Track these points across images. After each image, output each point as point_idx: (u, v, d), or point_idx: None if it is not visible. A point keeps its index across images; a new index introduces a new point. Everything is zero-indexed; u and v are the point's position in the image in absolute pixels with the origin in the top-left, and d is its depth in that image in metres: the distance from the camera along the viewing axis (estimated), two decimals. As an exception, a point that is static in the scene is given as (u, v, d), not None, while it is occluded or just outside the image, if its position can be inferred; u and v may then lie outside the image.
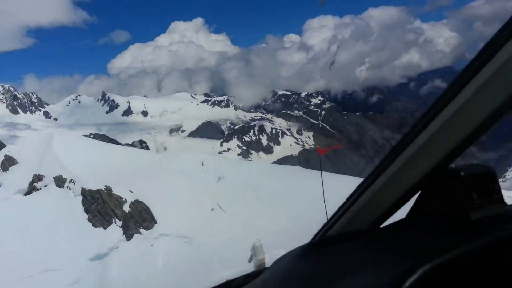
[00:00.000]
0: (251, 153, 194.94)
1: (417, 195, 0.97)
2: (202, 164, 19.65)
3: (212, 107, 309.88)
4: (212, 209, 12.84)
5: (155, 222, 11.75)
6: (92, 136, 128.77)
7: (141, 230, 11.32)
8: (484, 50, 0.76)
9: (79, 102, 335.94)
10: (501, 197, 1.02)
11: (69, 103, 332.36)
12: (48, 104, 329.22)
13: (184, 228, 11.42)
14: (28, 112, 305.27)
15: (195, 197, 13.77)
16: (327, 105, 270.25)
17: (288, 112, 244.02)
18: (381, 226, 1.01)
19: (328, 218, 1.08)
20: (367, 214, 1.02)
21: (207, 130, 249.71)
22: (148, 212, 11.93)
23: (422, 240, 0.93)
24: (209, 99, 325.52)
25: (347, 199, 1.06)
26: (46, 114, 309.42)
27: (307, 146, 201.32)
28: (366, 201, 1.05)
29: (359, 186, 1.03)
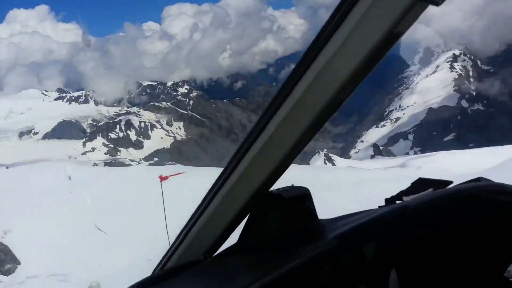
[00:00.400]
0: (119, 150, 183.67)
1: (246, 219, 0.98)
2: (70, 179, 17.36)
3: (69, 103, 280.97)
4: (89, 233, 11.24)
5: (18, 263, 9.68)
6: None
7: (0, 277, 9.19)
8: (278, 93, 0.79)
9: None
10: (315, 215, 1.12)
11: None
12: None
13: (57, 263, 9.67)
14: None
15: (65, 222, 11.87)
16: (194, 93, 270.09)
17: (156, 104, 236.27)
18: (215, 253, 1.01)
19: (170, 245, 1.10)
20: (203, 242, 1.02)
21: (66, 130, 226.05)
22: (6, 251, 9.75)
23: (247, 264, 0.99)
24: (64, 95, 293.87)
25: (183, 228, 1.05)
26: None
27: (178, 137, 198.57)
28: (200, 228, 1.05)
29: (193, 214, 1.03)
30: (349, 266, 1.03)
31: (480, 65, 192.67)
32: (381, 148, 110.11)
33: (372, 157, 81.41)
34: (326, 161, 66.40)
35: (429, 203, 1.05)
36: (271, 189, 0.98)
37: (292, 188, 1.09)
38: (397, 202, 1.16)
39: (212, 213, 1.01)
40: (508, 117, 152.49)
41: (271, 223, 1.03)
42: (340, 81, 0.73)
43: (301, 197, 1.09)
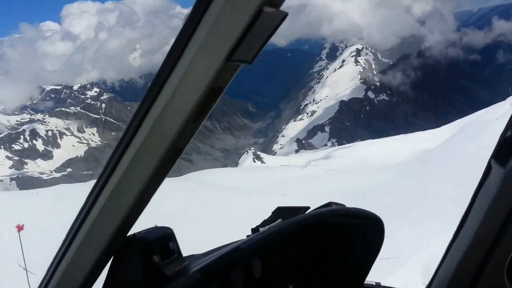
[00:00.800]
0: (26, 163, 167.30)
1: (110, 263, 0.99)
2: None
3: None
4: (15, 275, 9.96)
5: None
6: None
7: None
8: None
9: None
10: (179, 255, 1.14)
11: None
12: None
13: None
14: None
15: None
16: (105, 96, 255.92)
17: (63, 109, 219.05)
18: None
19: None
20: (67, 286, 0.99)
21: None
22: None
23: None
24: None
25: (47, 272, 1.02)
26: None
27: (93, 144, 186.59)
28: (61, 275, 1.03)
29: (56, 255, 0.99)
30: None
31: (380, 58, 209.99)
32: (303, 142, 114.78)
33: (297, 151, 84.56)
34: (255, 160, 67.12)
35: (279, 232, 1.14)
36: (132, 232, 1.00)
37: (153, 230, 1.11)
38: (260, 230, 1.24)
39: (74, 257, 0.99)
40: (409, 105, 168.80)
41: (134, 267, 1.03)
42: (176, 128, 0.77)
43: (162, 238, 1.11)
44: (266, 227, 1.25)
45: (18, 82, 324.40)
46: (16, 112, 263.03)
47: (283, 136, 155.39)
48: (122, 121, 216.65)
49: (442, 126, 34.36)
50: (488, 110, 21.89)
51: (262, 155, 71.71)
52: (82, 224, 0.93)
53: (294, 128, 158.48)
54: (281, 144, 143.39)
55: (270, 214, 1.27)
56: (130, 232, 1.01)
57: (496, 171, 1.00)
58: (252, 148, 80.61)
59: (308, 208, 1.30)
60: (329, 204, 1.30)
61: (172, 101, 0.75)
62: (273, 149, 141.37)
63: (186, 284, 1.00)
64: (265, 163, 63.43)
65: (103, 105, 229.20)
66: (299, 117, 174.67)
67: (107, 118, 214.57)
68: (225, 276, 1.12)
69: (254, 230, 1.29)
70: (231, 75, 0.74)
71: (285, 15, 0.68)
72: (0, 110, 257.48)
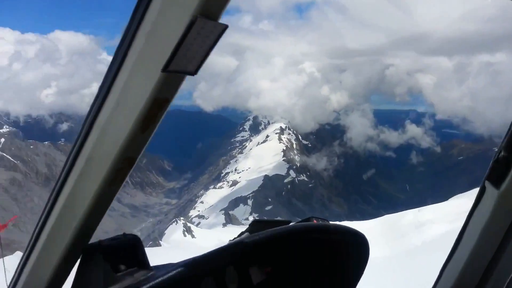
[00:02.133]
0: None
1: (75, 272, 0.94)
2: None
3: None
4: None
5: None
6: None
7: None
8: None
9: None
10: (146, 264, 1.13)
11: None
12: None
13: None
14: None
15: None
16: (5, 129, 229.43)
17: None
18: None
19: None
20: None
21: None
22: None
23: None
24: None
25: (11, 280, 1.00)
26: None
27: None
28: (27, 277, 1.02)
29: (18, 265, 0.98)
30: None
31: (301, 139, 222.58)
32: (230, 214, 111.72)
33: (224, 225, 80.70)
34: (186, 233, 60.06)
35: (267, 239, 1.15)
36: (95, 239, 0.99)
37: (120, 237, 1.10)
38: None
39: (34, 267, 0.99)
40: (325, 189, 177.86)
41: (97, 274, 1.01)
42: (124, 137, 0.78)
43: (130, 246, 1.10)
44: (243, 236, 1.25)
45: None
46: None
47: (202, 202, 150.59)
48: (21, 159, 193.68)
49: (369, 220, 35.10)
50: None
51: (193, 227, 66.44)
52: (42, 230, 0.94)
53: (214, 195, 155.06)
54: (198, 211, 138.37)
55: (248, 227, 1.23)
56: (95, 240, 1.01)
57: (490, 191, 1.01)
58: (182, 219, 73.60)
59: (289, 222, 1.31)
60: (309, 219, 1.32)
61: (117, 110, 0.76)
62: (190, 214, 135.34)
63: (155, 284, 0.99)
64: (195, 237, 58.77)
65: (2, 140, 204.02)
66: (219, 184, 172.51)
67: (5, 154, 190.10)
68: (195, 285, 1.10)
69: (231, 241, 1.26)
70: (176, 87, 0.74)
71: (223, 28, 0.68)
72: None
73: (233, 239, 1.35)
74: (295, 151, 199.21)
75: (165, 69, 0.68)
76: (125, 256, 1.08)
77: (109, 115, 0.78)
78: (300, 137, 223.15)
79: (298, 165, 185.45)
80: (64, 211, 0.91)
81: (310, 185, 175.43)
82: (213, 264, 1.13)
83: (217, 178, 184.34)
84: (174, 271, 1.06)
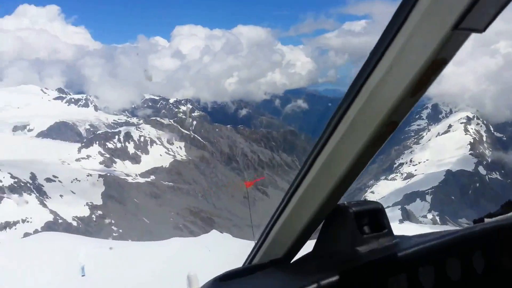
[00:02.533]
0: (115, 162, 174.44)
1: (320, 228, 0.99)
2: (83, 274, 14.55)
3: (68, 105, 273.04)
4: None
5: None
6: None
7: None
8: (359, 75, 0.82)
9: None
10: (390, 231, 1.13)
11: None
12: None
13: None
14: None
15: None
16: (196, 113, 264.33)
17: (158, 119, 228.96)
18: (294, 258, 1.04)
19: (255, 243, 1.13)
20: (280, 245, 1.06)
21: (61, 131, 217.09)
22: None
23: (317, 269, 0.99)
24: (64, 95, 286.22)
25: (264, 229, 1.09)
26: None
27: (178, 157, 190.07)
28: (277, 233, 1.09)
29: (272, 216, 1.07)
30: (429, 280, 1.01)
31: (493, 131, 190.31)
32: (407, 210, 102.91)
33: (401, 221, 73.33)
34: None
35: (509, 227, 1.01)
36: (342, 201, 1.01)
37: (364, 202, 1.12)
38: (486, 221, 1.14)
39: (286, 219, 1.04)
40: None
41: (343, 234, 1.05)
42: (392, 101, 0.77)
43: (372, 211, 1.11)
44: (493, 219, 1.15)
45: (124, 86, 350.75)
46: (115, 113, 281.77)
47: (372, 192, 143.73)
48: (208, 141, 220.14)
49: None
50: None
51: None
52: (296, 190, 0.99)
53: (385, 187, 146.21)
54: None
55: (499, 207, 1.00)
56: (341, 201, 1.03)
57: None
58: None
59: None
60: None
61: (390, 73, 0.75)
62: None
63: (395, 259, 0.98)
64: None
65: (194, 122, 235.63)
66: (391, 176, 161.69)
67: (196, 135, 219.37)
68: (439, 262, 1.05)
69: (477, 221, 1.18)
70: (458, 46, 0.70)
71: None
72: (103, 108, 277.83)
73: (479, 218, 1.21)
74: (485, 144, 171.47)
75: (456, 27, 0.64)
76: (371, 220, 1.10)
77: (380, 78, 0.78)
78: (491, 129, 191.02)
79: (489, 160, 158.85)
80: (322, 169, 0.94)
81: (504, 185, 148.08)
82: (461, 245, 1.09)
83: (389, 169, 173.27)
84: (421, 245, 1.04)
